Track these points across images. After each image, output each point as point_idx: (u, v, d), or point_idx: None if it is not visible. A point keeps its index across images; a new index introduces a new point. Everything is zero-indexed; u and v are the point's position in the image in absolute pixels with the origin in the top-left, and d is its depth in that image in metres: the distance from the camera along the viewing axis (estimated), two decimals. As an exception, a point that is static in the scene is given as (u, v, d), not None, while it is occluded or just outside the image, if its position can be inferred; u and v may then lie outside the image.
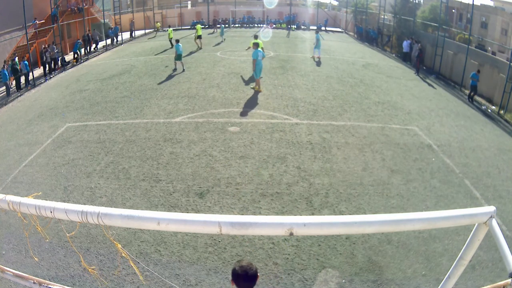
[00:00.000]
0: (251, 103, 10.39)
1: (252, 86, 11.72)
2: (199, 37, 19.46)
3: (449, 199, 6.19)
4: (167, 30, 21.90)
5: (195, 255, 4.72)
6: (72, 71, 16.16)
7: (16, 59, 13.52)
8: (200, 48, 19.39)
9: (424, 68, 17.12)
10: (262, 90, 11.50)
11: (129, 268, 4.41)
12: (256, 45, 11.56)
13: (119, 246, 1.67)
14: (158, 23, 28.27)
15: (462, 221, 1.40)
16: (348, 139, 8.28)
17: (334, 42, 24.27)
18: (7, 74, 12.95)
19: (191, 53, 17.96)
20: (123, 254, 1.69)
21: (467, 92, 13.92)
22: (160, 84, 12.47)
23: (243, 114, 9.60)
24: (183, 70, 13.98)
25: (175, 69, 14.15)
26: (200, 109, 9.90)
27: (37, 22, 16.69)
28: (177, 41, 14.26)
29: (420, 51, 16.24)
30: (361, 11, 28.25)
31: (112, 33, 22.84)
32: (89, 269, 1.95)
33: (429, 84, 14.54)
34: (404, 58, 18.66)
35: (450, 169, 7.21)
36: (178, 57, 13.95)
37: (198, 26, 19.92)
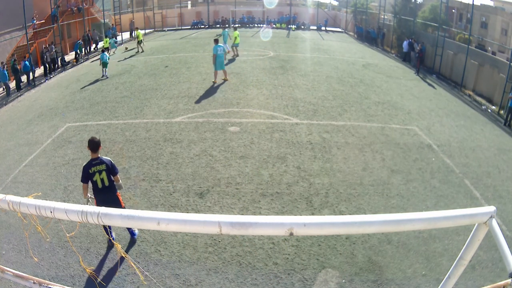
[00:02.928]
0: (252, 103, 10.39)
1: (223, 78, 12.49)
2: (236, 45, 16.98)
3: (449, 199, 6.19)
4: (135, 32, 20.33)
5: (195, 255, 4.72)
6: (72, 71, 16.17)
7: (15, 60, 13.51)
8: (237, 56, 16.89)
9: (424, 67, 17.14)
10: (217, 81, 12.24)
11: (129, 268, 4.41)
12: (216, 41, 12.31)
13: (119, 247, 1.67)
14: (139, 32, 19.99)
15: (462, 221, 1.40)
16: (348, 139, 8.28)
17: (334, 42, 24.27)
18: (7, 74, 12.95)
19: (230, 61, 15.87)
20: (122, 255, 1.69)
21: (467, 92, 13.93)
22: (160, 84, 12.48)
23: (243, 114, 9.60)
24: (104, 76, 14.02)
25: (103, 76, 14.18)
26: (200, 109, 9.91)
27: (36, 22, 16.68)
28: (103, 51, 14.98)
29: (420, 51, 16.26)
30: (361, 11, 28.26)
31: (110, 33, 22.80)
32: (87, 270, 1.95)
33: (429, 84, 14.55)
34: (404, 58, 18.69)
35: (450, 169, 7.21)
36: (104, 64, 14.21)
37: (236, 33, 16.76)
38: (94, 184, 4.51)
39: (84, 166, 4.54)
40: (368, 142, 8.17)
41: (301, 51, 19.54)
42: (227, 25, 25.65)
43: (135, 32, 20.56)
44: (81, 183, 4.60)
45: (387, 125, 9.24)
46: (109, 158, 4.64)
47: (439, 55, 16.39)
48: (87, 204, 4.44)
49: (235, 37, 16.67)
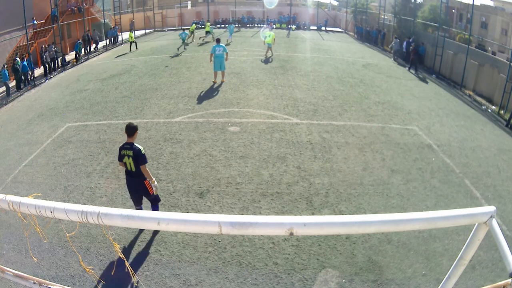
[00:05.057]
0: (252, 103, 10.39)
1: (221, 79, 12.48)
2: (269, 45, 17.01)
3: (449, 199, 6.19)
4: (128, 33, 20.82)
5: (195, 255, 4.72)
6: (72, 71, 16.17)
7: (18, 58, 13.51)
8: (272, 55, 17.17)
9: (417, 65, 17.17)
10: (217, 81, 12.27)
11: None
12: (217, 41, 12.44)
13: (117, 247, 1.67)
14: (132, 34, 20.31)
15: (462, 221, 1.39)
16: (348, 139, 8.28)
17: (334, 42, 24.27)
18: (7, 74, 12.96)
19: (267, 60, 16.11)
20: (120, 255, 1.69)
21: (467, 92, 13.94)
22: (160, 84, 12.48)
23: (243, 114, 9.60)
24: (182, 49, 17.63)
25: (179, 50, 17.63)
26: (200, 109, 9.91)
27: (36, 22, 16.68)
28: (183, 30, 18.10)
29: (414, 47, 16.56)
30: (361, 11, 28.26)
31: (110, 34, 22.81)
32: (87, 269, 1.95)
33: (421, 79, 14.61)
34: (403, 58, 18.75)
35: (450, 169, 7.21)
36: (182, 40, 18.89)
37: (271, 33, 16.97)
38: (125, 166, 4.76)
39: (119, 147, 4.82)
40: (368, 142, 8.17)
41: (301, 51, 19.54)
42: (236, 24, 26.50)
43: (129, 33, 20.82)
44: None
45: (387, 125, 9.24)
46: (140, 148, 4.71)
47: (439, 55, 16.40)
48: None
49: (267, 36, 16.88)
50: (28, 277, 1.77)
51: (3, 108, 11.62)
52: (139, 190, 4.86)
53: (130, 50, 19.68)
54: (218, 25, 31.80)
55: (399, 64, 17.90)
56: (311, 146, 7.83)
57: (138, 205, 5.08)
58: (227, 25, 26.26)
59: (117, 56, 18.72)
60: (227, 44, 20.25)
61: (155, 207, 5.05)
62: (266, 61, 16.19)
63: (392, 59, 18.96)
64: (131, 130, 4.75)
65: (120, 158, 4.75)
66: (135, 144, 4.72)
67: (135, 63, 16.38)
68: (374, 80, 13.76)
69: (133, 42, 20.04)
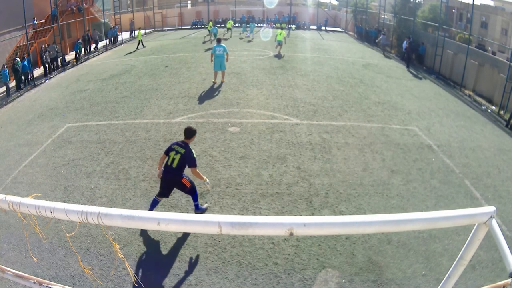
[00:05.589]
0: (252, 103, 10.39)
1: (221, 79, 12.51)
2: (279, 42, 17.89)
3: (449, 199, 6.19)
4: (137, 32, 22.20)
5: (195, 255, 4.72)
6: (72, 71, 16.17)
7: (18, 59, 13.52)
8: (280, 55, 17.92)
9: (410, 62, 17.20)
10: (217, 82, 12.25)
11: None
12: (218, 40, 12.42)
13: (117, 247, 1.67)
14: (141, 33, 21.61)
15: (462, 221, 1.40)
16: (348, 139, 8.28)
17: (334, 42, 24.28)
18: (7, 74, 12.95)
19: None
20: (120, 255, 1.69)
21: (467, 92, 13.94)
22: (160, 84, 12.48)
23: (243, 114, 9.60)
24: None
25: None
26: (200, 109, 9.91)
27: (36, 22, 16.68)
28: (214, 25, 20.79)
29: (410, 44, 17.00)
30: (361, 11, 28.26)
31: (110, 33, 22.82)
32: (85, 270, 1.95)
33: (415, 75, 14.67)
34: (403, 57, 18.77)
35: (450, 169, 7.21)
36: (214, 35, 20.22)
37: (282, 32, 18.09)
38: (167, 160, 4.96)
39: (172, 142, 5.17)
40: (368, 142, 8.17)
41: (301, 51, 19.55)
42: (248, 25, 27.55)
43: (137, 32, 22.16)
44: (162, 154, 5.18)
45: (387, 125, 9.24)
46: (193, 151, 4.98)
47: (439, 55, 16.40)
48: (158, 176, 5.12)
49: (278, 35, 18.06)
50: (28, 277, 1.77)
51: (3, 108, 11.62)
52: (175, 185, 5.08)
53: (137, 48, 20.44)
54: (218, 25, 31.83)
55: (386, 57, 18.65)
56: (311, 147, 7.83)
57: (165, 196, 5.28)
58: (249, 24, 27.16)
59: (126, 54, 19.26)
60: (249, 41, 22.33)
61: (195, 197, 5.26)
62: (266, 61, 16.19)
63: (382, 53, 20.49)
64: (190, 132, 5.05)
65: (168, 151, 4.98)
66: (189, 145, 5.00)
67: (135, 63, 16.38)
68: (374, 80, 13.76)
69: (140, 40, 20.99)
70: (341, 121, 9.30)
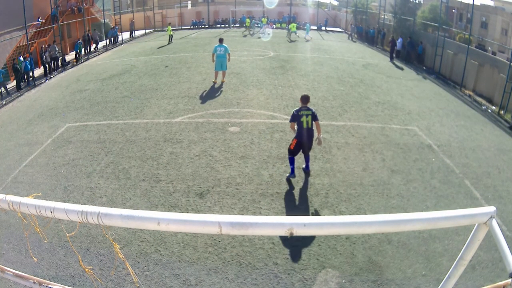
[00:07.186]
0: (252, 103, 10.39)
1: (221, 79, 12.49)
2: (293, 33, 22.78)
3: (449, 199, 6.19)
4: (167, 28, 23.67)
5: (195, 255, 4.72)
6: (72, 71, 16.17)
7: (21, 57, 13.50)
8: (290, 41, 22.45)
9: (424, 67, 17.20)
10: (217, 81, 12.28)
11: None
12: (220, 40, 12.40)
13: (117, 247, 1.67)
14: (170, 28, 23.15)
15: (462, 221, 1.39)
16: (348, 139, 8.28)
17: (334, 42, 24.27)
18: (4, 74, 12.94)
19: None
20: (120, 255, 1.69)
21: (467, 92, 13.95)
22: (160, 84, 12.48)
23: (243, 114, 9.60)
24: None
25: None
26: (200, 109, 9.91)
27: (40, 21, 16.64)
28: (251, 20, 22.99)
29: (391, 40, 18.70)
30: (361, 11, 28.26)
31: (110, 33, 22.82)
32: (86, 270, 1.95)
33: (397, 67, 14.76)
34: (397, 55, 19.02)
35: (450, 169, 7.21)
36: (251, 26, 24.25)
37: (294, 24, 24.39)
38: (301, 124, 6.18)
39: (293, 111, 6.33)
40: (368, 142, 8.17)
41: (301, 51, 19.55)
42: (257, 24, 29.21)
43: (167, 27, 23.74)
44: (290, 123, 6.44)
45: (387, 125, 9.24)
46: (313, 109, 6.34)
47: (439, 55, 16.40)
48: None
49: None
50: (28, 277, 1.77)
51: (3, 108, 11.62)
52: (312, 140, 6.30)
53: (169, 43, 21.96)
54: (218, 25, 31.84)
55: (397, 67, 18.64)
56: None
57: (307, 154, 6.57)
58: (305, 24, 27.18)
59: (158, 48, 20.56)
60: (307, 41, 23.49)
61: (307, 158, 6.62)
62: (266, 61, 16.19)
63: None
64: (306, 98, 6.37)
65: (297, 118, 6.18)
66: (309, 106, 6.32)
67: (135, 63, 16.38)
68: (374, 80, 13.76)
69: (171, 35, 22.36)
70: (341, 121, 9.30)
